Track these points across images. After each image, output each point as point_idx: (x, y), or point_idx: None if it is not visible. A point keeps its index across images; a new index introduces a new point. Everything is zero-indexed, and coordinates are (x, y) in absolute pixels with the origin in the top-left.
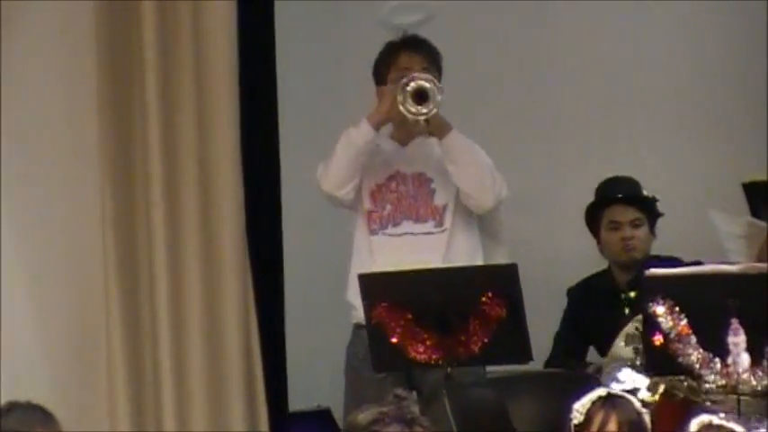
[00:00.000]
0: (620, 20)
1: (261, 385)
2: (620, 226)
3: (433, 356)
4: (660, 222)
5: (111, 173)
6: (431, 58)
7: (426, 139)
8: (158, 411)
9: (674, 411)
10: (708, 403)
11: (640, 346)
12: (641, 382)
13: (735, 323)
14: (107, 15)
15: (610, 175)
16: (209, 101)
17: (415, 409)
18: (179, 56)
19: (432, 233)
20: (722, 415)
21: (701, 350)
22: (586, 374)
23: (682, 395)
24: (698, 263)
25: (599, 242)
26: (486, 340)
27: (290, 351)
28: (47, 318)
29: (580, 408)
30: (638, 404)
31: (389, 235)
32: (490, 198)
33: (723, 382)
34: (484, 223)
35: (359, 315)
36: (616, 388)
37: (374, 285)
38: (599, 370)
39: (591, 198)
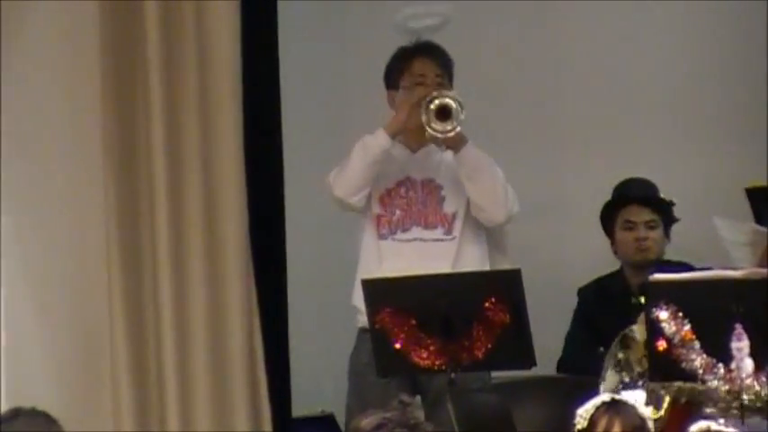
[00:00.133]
0: (625, 27)
1: (264, 390)
2: (635, 226)
3: (437, 362)
4: None
5: (114, 173)
6: (444, 65)
7: (437, 147)
8: (162, 416)
9: (679, 415)
10: (710, 407)
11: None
12: (640, 397)
13: (738, 328)
14: (110, 15)
15: (614, 180)
16: (212, 100)
17: (420, 414)
18: (182, 55)
19: (441, 240)
20: (721, 421)
21: (704, 355)
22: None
23: (685, 399)
24: (708, 269)
25: (613, 242)
26: (489, 346)
27: (294, 356)
28: (50, 320)
29: (584, 413)
30: (641, 409)
31: (399, 240)
32: (503, 213)
33: (727, 387)
34: (490, 234)
35: (364, 319)
36: None
37: (378, 291)
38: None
39: (595, 202)
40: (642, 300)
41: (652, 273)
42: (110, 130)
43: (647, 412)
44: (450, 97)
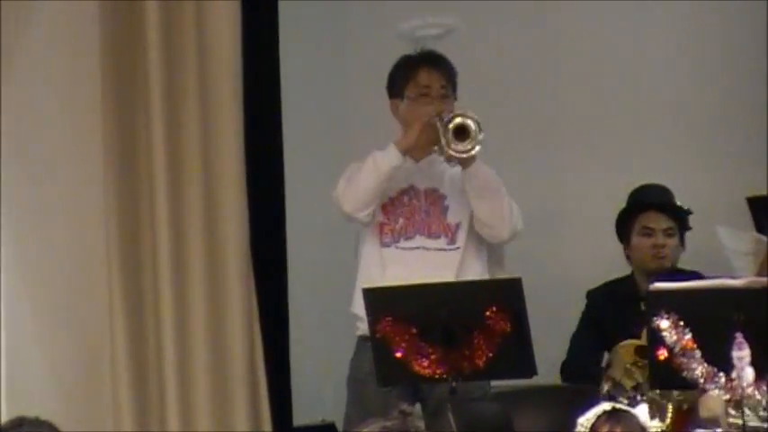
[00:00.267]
0: (627, 32)
1: (265, 399)
2: (653, 233)
3: (438, 371)
4: None
5: (114, 175)
6: (449, 76)
7: (447, 163)
8: (163, 425)
9: (683, 421)
10: None
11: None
12: (642, 411)
13: (739, 337)
14: (111, 15)
15: (615, 186)
16: (212, 101)
17: (420, 423)
18: (183, 56)
19: (445, 250)
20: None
21: (705, 364)
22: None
23: (687, 406)
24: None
25: (627, 248)
26: (490, 355)
27: (295, 364)
28: (50, 322)
29: (584, 422)
30: (642, 419)
31: (402, 248)
32: (508, 230)
33: (728, 396)
34: (489, 247)
35: (364, 327)
36: None
37: (379, 299)
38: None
39: (596, 211)
40: None
41: (663, 280)
42: (110, 131)
43: (654, 424)
44: (469, 116)
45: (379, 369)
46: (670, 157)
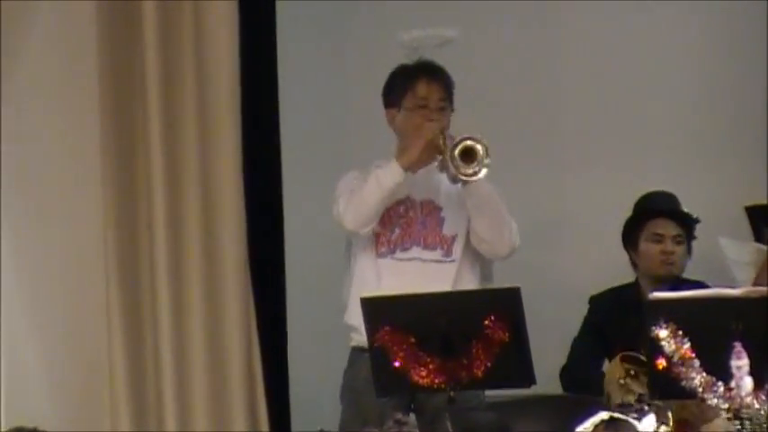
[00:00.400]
0: (628, 43)
1: (264, 409)
2: (663, 239)
3: (436, 380)
4: None
5: (112, 181)
6: (447, 88)
7: (441, 172)
8: (160, 426)
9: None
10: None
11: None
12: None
13: (738, 347)
14: (108, 15)
15: (616, 196)
16: (210, 101)
17: None
18: (180, 55)
19: (441, 262)
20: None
21: (704, 374)
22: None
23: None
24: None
25: (634, 254)
26: (489, 364)
27: (293, 374)
28: (48, 329)
29: (583, 431)
30: (640, 428)
31: (398, 259)
32: (507, 247)
33: (726, 405)
34: (481, 261)
35: (358, 338)
36: None
37: (377, 309)
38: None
39: (597, 219)
40: None
41: (667, 289)
42: (107, 131)
43: (662, 431)
44: (478, 140)
45: (378, 379)
46: (671, 165)
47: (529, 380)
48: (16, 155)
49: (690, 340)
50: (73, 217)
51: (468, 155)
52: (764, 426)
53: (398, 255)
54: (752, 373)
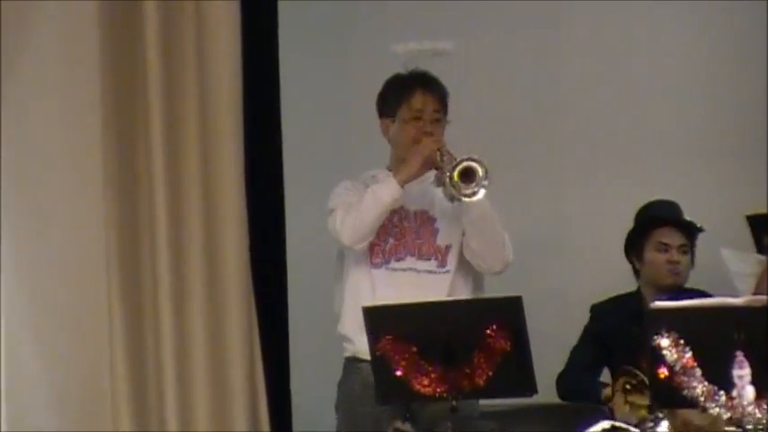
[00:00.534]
0: (628, 54)
1: (265, 410)
2: (669, 249)
3: (438, 389)
4: None
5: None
6: (442, 99)
7: (432, 183)
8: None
9: None
10: None
11: None
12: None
13: (739, 356)
14: (110, 15)
15: (616, 206)
16: (212, 101)
17: None
18: (182, 55)
19: (435, 272)
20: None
21: (705, 383)
22: (591, 407)
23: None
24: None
25: (638, 263)
26: (490, 373)
27: (294, 374)
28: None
29: None
30: None
31: (392, 269)
32: (501, 263)
33: (728, 414)
34: (474, 271)
35: (352, 348)
36: None
37: (379, 318)
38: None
39: (598, 228)
40: None
41: (669, 298)
42: (109, 132)
43: None
44: (478, 162)
45: (379, 387)
46: (671, 173)
47: (530, 389)
48: (17, 155)
49: (691, 349)
50: (74, 218)
51: (468, 175)
52: None
53: (393, 265)
54: (754, 382)
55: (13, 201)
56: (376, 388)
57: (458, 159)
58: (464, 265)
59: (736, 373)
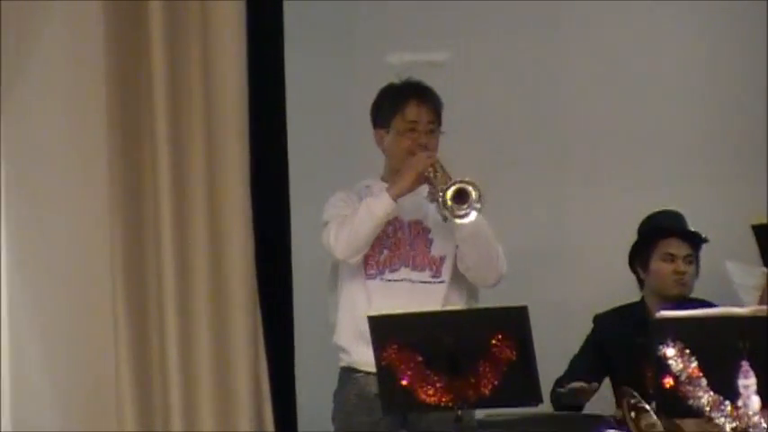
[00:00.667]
0: (627, 63)
1: (270, 421)
2: (675, 259)
3: (444, 399)
4: None
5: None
6: (436, 109)
7: (426, 198)
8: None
9: None
10: None
11: None
12: None
13: (745, 365)
14: (114, 15)
15: (620, 215)
16: (217, 100)
17: None
18: (187, 55)
19: (430, 283)
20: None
21: (711, 392)
22: (595, 416)
23: None
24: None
25: (643, 273)
26: (496, 383)
27: (300, 385)
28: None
29: None
30: None
31: (387, 280)
32: (494, 276)
33: (734, 424)
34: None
35: (348, 359)
36: None
37: (384, 327)
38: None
39: (599, 241)
40: None
41: (674, 308)
42: (114, 133)
43: None
44: (471, 184)
45: (385, 397)
46: (674, 183)
47: (536, 398)
48: (22, 157)
49: (697, 359)
50: (79, 218)
51: (461, 197)
52: None
53: (387, 276)
54: (759, 391)
55: (18, 202)
56: (381, 397)
57: (452, 180)
58: (459, 275)
59: (741, 382)
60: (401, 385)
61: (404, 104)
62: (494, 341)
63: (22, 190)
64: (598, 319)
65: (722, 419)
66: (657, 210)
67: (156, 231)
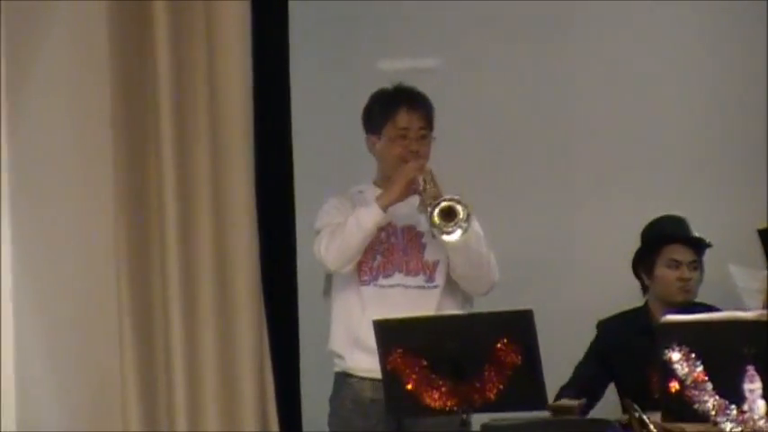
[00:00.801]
0: (628, 70)
1: (275, 421)
2: (680, 265)
3: (449, 403)
4: None
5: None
6: (427, 116)
7: (418, 209)
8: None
9: None
10: None
11: None
12: None
13: (750, 370)
14: (119, 16)
15: (624, 221)
16: (222, 102)
17: None
18: (192, 56)
19: (424, 288)
20: None
21: (716, 397)
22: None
23: None
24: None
25: (648, 279)
26: (501, 387)
27: (304, 386)
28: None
29: None
30: None
31: (381, 286)
32: (486, 285)
33: (739, 428)
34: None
35: (343, 364)
36: None
37: (389, 331)
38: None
39: (602, 246)
40: None
41: (679, 312)
42: (119, 137)
43: None
44: (460, 203)
45: (390, 401)
46: (677, 189)
47: (541, 403)
48: (27, 158)
49: (702, 363)
50: (84, 220)
51: (449, 214)
52: None
53: (381, 281)
54: (765, 396)
55: (23, 203)
56: (386, 402)
57: (441, 195)
58: (453, 279)
59: (747, 387)
60: (406, 390)
61: (395, 111)
62: (499, 345)
63: (28, 191)
64: (602, 325)
65: (728, 424)
66: (660, 215)
67: (161, 232)
